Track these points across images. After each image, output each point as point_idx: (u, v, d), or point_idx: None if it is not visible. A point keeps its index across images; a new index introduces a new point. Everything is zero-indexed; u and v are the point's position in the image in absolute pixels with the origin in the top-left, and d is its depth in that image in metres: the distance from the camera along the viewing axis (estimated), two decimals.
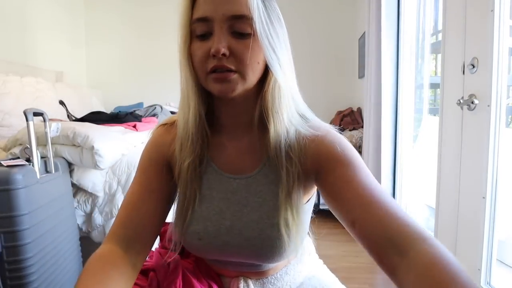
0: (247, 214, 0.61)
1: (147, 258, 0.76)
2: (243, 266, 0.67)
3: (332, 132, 0.60)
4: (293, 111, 0.60)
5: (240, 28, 0.53)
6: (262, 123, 0.59)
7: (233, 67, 0.53)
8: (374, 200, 0.49)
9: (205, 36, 0.54)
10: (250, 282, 0.68)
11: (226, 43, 0.52)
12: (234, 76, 0.54)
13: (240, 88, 0.55)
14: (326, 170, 0.56)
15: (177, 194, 0.67)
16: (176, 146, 0.63)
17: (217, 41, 0.52)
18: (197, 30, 0.55)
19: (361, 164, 0.56)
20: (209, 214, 0.63)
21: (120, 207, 0.63)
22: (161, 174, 0.65)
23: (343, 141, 0.59)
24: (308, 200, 0.66)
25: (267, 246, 0.59)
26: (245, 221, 0.61)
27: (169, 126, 0.68)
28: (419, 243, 0.43)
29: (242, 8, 0.52)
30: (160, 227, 0.64)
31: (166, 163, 0.66)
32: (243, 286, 0.67)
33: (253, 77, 0.56)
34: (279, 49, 0.56)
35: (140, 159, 0.68)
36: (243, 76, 0.54)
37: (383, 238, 0.45)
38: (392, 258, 0.44)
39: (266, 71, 0.57)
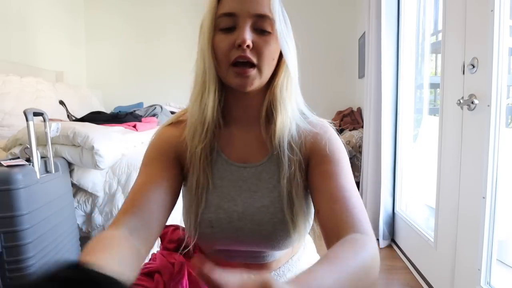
0: (258, 200, 0.64)
1: (150, 260, 0.77)
2: (249, 257, 0.68)
3: (329, 131, 0.66)
4: (295, 107, 0.66)
5: (262, 26, 0.59)
6: (267, 116, 0.65)
7: (254, 60, 0.58)
8: (339, 198, 0.55)
9: (229, 30, 0.59)
10: None
11: (251, 36, 0.58)
12: (253, 71, 0.59)
13: (257, 83, 0.61)
14: (314, 163, 0.63)
15: (188, 184, 0.67)
16: (188, 134, 0.64)
17: (244, 33, 0.57)
18: (222, 24, 0.59)
19: (345, 166, 0.61)
20: (220, 202, 0.64)
21: (126, 199, 0.60)
22: (169, 165, 0.64)
23: (336, 142, 0.65)
24: None
25: (278, 230, 0.62)
26: (257, 207, 0.63)
27: (175, 123, 0.70)
28: (354, 233, 0.50)
29: (265, 9, 0.59)
30: (166, 219, 0.61)
31: (175, 155, 0.66)
32: None
33: (268, 72, 0.62)
34: (292, 49, 0.63)
35: (145, 153, 0.67)
36: (260, 71, 0.60)
37: (333, 229, 0.53)
38: (333, 243, 0.50)
39: (276, 69, 0.63)
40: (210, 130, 0.63)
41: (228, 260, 0.71)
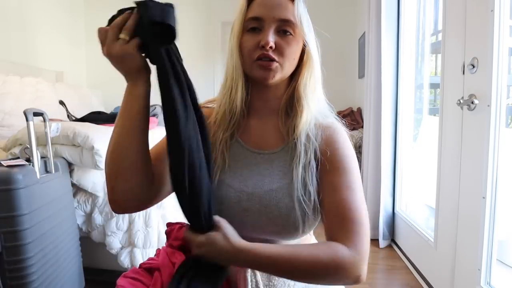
0: (268, 184, 0.68)
1: (153, 257, 0.77)
2: None
3: (342, 131, 0.72)
4: (317, 104, 0.72)
5: (285, 29, 0.66)
6: (286, 109, 0.72)
7: (275, 58, 0.66)
8: (345, 215, 0.62)
9: (255, 31, 0.67)
10: (257, 271, 0.70)
11: (273, 39, 0.65)
12: (276, 65, 0.66)
13: (278, 76, 0.67)
14: (323, 167, 0.68)
15: None
16: (216, 119, 0.72)
17: (267, 35, 0.64)
18: (249, 26, 0.67)
19: (352, 172, 0.67)
20: (232, 181, 0.69)
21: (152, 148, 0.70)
22: None
23: (346, 144, 0.70)
24: None
25: (283, 215, 0.66)
26: (265, 190, 0.67)
27: (203, 107, 0.75)
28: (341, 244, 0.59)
29: (289, 14, 0.66)
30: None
31: None
32: (250, 275, 0.69)
33: (289, 68, 0.69)
34: (313, 49, 0.71)
35: None
36: (282, 66, 0.67)
37: (330, 235, 0.63)
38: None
39: (298, 68, 0.71)
40: (237, 119, 0.71)
41: None
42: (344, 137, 0.71)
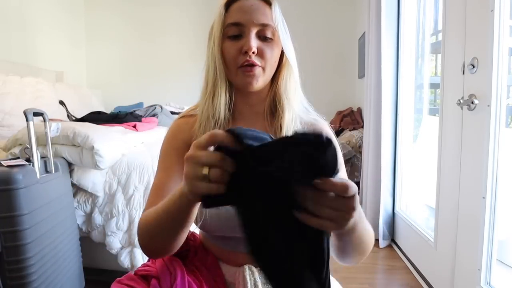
0: None
1: (148, 263, 0.76)
2: None
3: (326, 126, 0.76)
4: (299, 102, 0.75)
5: (265, 33, 0.68)
6: (271, 112, 0.74)
7: (258, 63, 0.67)
8: None
9: (236, 37, 0.68)
10: (255, 270, 0.70)
11: (255, 43, 0.67)
12: (258, 70, 0.68)
13: (261, 80, 0.69)
14: None
15: None
16: (199, 128, 0.71)
17: (249, 41, 0.66)
18: (230, 32, 0.68)
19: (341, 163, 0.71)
20: None
21: (150, 193, 0.70)
22: (182, 159, 0.67)
23: (332, 138, 0.72)
24: None
25: None
26: None
27: (187, 117, 0.76)
28: None
29: (268, 19, 0.68)
30: None
31: (186, 148, 0.68)
32: (249, 274, 0.69)
33: (270, 72, 0.71)
34: (291, 51, 0.73)
35: (161, 148, 0.75)
36: (264, 70, 0.69)
37: None
38: None
39: (277, 70, 0.73)
40: (221, 125, 0.71)
41: (232, 249, 0.73)
42: (328, 129, 0.76)
